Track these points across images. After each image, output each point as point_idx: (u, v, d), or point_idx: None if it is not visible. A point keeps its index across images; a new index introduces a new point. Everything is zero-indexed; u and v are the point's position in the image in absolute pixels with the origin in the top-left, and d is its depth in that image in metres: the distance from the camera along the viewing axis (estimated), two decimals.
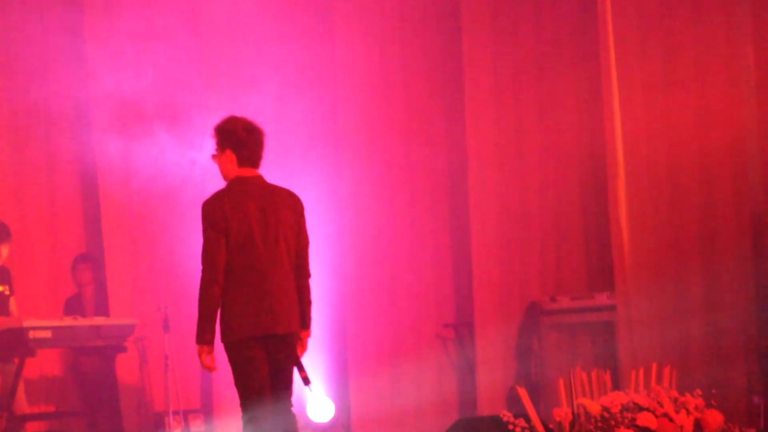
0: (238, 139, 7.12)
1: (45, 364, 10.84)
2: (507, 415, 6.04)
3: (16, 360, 9.65)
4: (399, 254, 11.67)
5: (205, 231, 6.93)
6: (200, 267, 6.92)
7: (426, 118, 11.87)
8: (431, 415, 11.21)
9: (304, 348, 7.24)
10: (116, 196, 10.93)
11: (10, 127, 11.04)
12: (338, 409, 11.42)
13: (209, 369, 6.97)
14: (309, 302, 7.20)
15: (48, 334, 9.47)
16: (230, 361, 6.96)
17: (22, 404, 9.93)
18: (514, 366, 11.23)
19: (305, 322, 7.17)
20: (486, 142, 11.49)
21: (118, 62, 10.87)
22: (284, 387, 7.08)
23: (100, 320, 9.79)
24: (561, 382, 6.15)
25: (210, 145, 7.23)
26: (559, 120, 11.48)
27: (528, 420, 6.01)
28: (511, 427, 6.00)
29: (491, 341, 11.22)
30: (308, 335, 7.22)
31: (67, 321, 9.76)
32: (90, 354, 10.61)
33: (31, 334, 9.34)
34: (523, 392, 6.18)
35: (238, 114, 7.26)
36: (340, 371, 11.44)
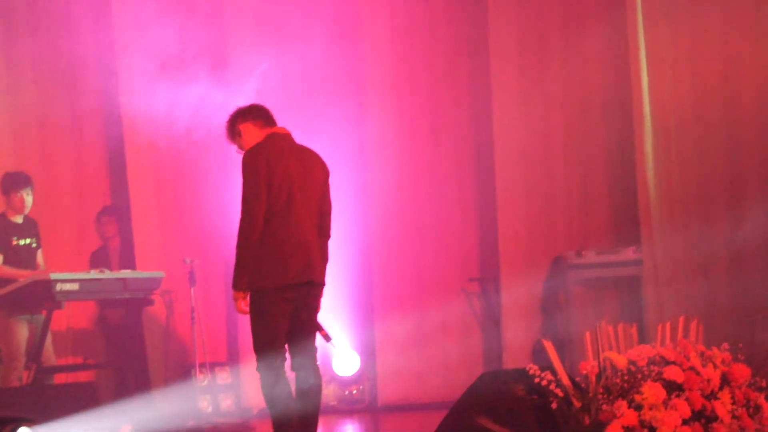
0: (248, 111, 7.33)
1: (72, 317, 10.90)
2: (533, 369, 6.03)
3: (44, 312, 9.73)
4: (424, 208, 11.65)
5: (246, 179, 7.02)
6: (236, 217, 7.03)
7: (451, 71, 11.81)
8: (456, 368, 11.25)
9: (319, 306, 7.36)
10: (142, 148, 10.95)
11: (35, 80, 11.06)
12: (363, 363, 11.47)
13: (244, 313, 7.07)
14: (326, 261, 7.31)
15: (75, 286, 9.52)
16: (255, 308, 7.04)
17: (50, 356, 10.00)
18: (539, 320, 11.23)
19: None
20: (511, 94, 11.43)
21: (144, 10, 10.86)
22: (308, 338, 7.16)
23: (126, 273, 9.83)
24: (587, 335, 6.13)
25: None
26: (584, 71, 11.39)
27: (554, 373, 6.01)
28: (537, 380, 6.00)
29: (516, 295, 11.21)
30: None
31: (94, 274, 9.81)
32: (116, 307, 10.67)
33: (59, 287, 9.40)
34: (549, 345, 6.17)
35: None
36: (365, 325, 11.47)
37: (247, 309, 7.05)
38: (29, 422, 6.27)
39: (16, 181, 10.01)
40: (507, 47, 11.47)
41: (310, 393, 7.13)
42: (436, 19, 11.80)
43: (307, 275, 7.06)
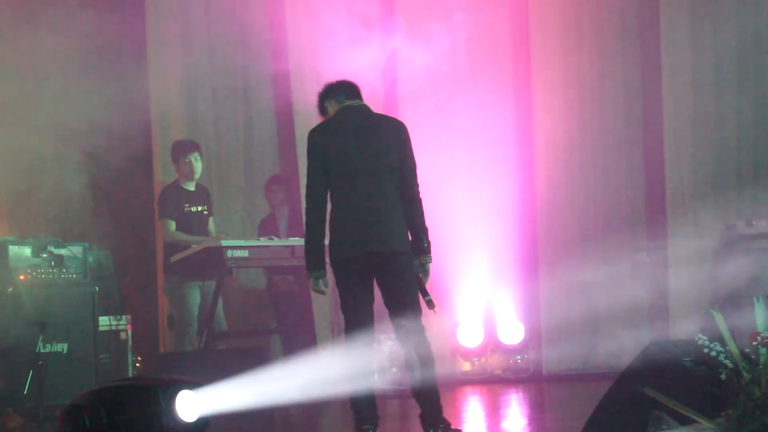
0: (333, 88, 7.40)
1: (242, 283, 11.13)
2: (701, 339, 5.94)
3: (215, 279, 9.94)
4: (591, 175, 11.55)
5: (307, 159, 7.18)
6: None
7: (620, 33, 11.65)
8: (623, 338, 11.13)
9: (426, 273, 7.29)
10: (310, 115, 11.08)
11: (208, 47, 11.27)
12: (528, 331, 11.45)
13: (320, 293, 7.31)
14: (419, 226, 7.22)
15: (245, 253, 9.71)
16: (335, 282, 7.19)
17: (221, 322, 10.23)
18: (707, 289, 11.05)
19: (420, 247, 7.21)
20: (682, 59, 11.27)
21: None
22: (399, 308, 7.14)
23: (294, 240, 9.98)
24: (757, 305, 6.02)
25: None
26: None
27: (723, 344, 5.91)
28: (705, 351, 5.91)
29: (685, 264, 11.05)
30: (427, 260, 7.26)
31: (264, 241, 9.98)
32: (285, 274, 10.83)
33: (229, 254, 9.59)
34: (718, 316, 6.07)
35: None
36: (531, 293, 11.43)
37: (320, 289, 7.24)
38: (193, 386, 6.40)
39: (184, 147, 10.25)
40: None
41: (411, 362, 7.15)
42: None
43: (367, 247, 7.06)
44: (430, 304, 7.25)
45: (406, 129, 7.29)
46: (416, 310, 7.15)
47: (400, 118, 11.20)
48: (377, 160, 7.13)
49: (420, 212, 7.22)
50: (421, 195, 7.26)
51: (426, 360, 7.16)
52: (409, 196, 7.19)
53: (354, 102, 7.31)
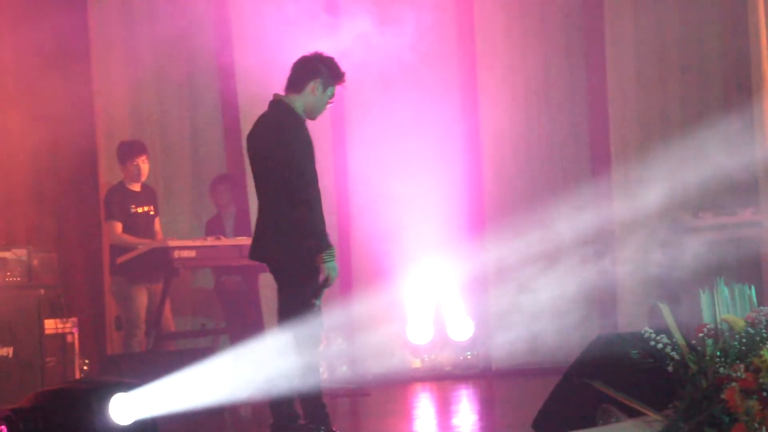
0: None
1: (188, 284, 11.07)
2: (648, 331, 5.96)
3: (162, 280, 9.88)
4: (537, 169, 11.62)
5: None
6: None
7: (564, 26, 11.73)
8: (570, 332, 11.16)
9: (325, 274, 6.98)
10: (257, 115, 11.03)
11: (152, 48, 11.21)
12: (477, 327, 11.47)
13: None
14: (302, 230, 6.94)
15: (192, 254, 9.66)
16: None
17: (168, 323, 10.17)
18: (654, 282, 11.11)
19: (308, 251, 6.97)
20: (626, 55, 11.38)
21: None
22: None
23: (242, 240, 9.94)
24: (703, 297, 6.04)
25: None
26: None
27: (670, 336, 5.93)
28: (652, 343, 5.93)
29: (631, 256, 11.11)
30: (321, 261, 6.93)
31: (211, 241, 9.93)
32: (233, 274, 10.79)
33: (176, 254, 9.54)
34: (664, 308, 6.09)
35: None
36: (479, 289, 11.45)
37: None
38: (128, 388, 6.37)
39: (131, 149, 10.18)
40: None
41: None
42: None
43: (251, 254, 7.18)
44: (313, 307, 7.00)
45: (282, 127, 7.03)
46: (287, 318, 7.03)
47: (347, 115, 11.29)
48: (260, 164, 7.11)
49: (300, 216, 6.90)
50: (309, 194, 6.94)
51: (303, 369, 7.01)
52: (290, 199, 6.96)
53: (277, 97, 7.22)
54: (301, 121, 7.10)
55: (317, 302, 7.00)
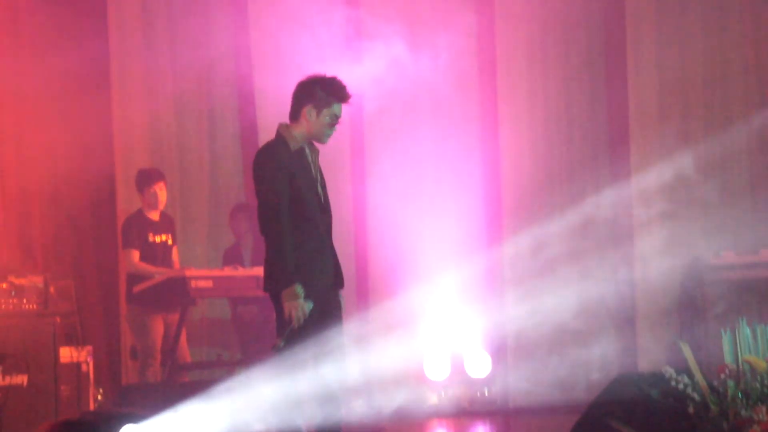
0: None
1: (206, 314, 11.03)
2: (669, 371, 5.89)
3: (178, 310, 9.84)
4: (558, 196, 11.52)
5: None
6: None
7: (586, 51, 11.67)
8: (590, 370, 11.08)
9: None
10: None
11: (172, 76, 11.21)
12: (495, 364, 11.39)
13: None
14: (267, 262, 6.90)
15: (209, 284, 9.62)
16: None
17: (184, 353, 10.12)
18: (675, 321, 11.02)
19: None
20: (648, 81, 11.35)
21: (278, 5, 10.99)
22: None
23: (259, 270, 9.87)
24: (725, 338, 5.97)
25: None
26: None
27: (691, 377, 5.86)
28: (673, 383, 5.86)
29: (652, 295, 11.04)
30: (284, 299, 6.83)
31: (228, 271, 9.89)
32: (250, 304, 10.74)
33: (193, 284, 9.50)
34: (685, 348, 6.02)
35: None
36: (497, 324, 11.38)
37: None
38: (138, 419, 6.31)
39: (149, 177, 10.15)
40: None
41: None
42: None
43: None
44: (275, 348, 6.81)
45: (256, 160, 7.00)
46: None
47: (366, 143, 11.27)
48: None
49: (267, 247, 6.87)
50: (271, 228, 6.85)
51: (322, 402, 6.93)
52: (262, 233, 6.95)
53: (279, 126, 7.11)
54: (283, 152, 6.93)
55: (281, 343, 6.76)
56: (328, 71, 7.08)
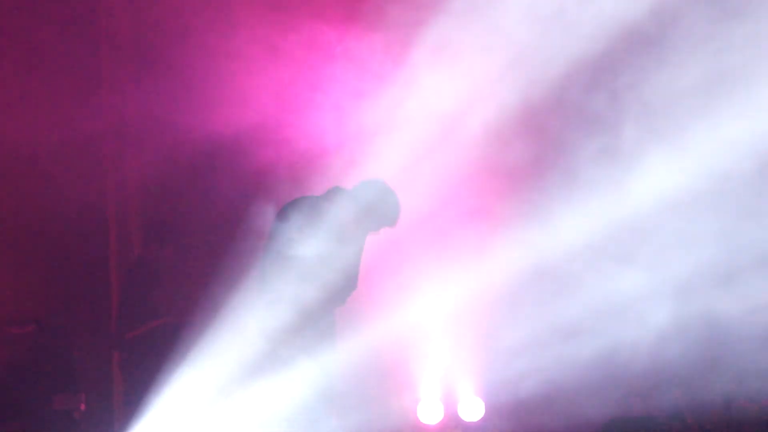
0: None
1: None
2: (661, 416, 5.91)
3: None
4: None
5: None
6: None
7: None
8: (585, 410, 11.07)
9: None
10: None
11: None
12: (488, 407, 11.38)
13: None
14: None
15: None
16: None
17: None
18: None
19: None
20: None
21: None
22: None
23: None
24: None
25: None
26: None
27: (683, 420, 5.88)
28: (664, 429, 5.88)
29: (649, 338, 11.05)
30: None
31: None
32: None
33: None
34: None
35: None
36: (491, 369, 11.40)
37: None
38: None
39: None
40: None
41: None
42: None
43: None
44: None
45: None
46: None
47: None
48: None
49: None
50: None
51: None
52: None
53: None
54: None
55: None
56: None
